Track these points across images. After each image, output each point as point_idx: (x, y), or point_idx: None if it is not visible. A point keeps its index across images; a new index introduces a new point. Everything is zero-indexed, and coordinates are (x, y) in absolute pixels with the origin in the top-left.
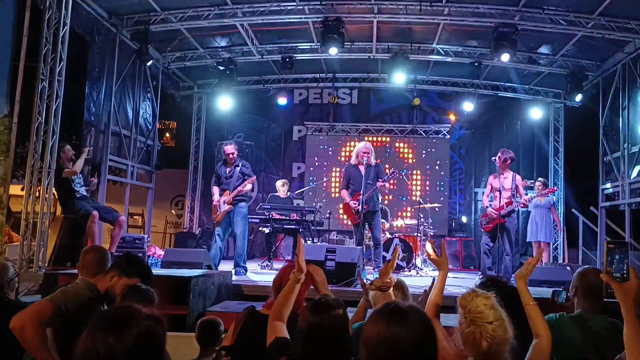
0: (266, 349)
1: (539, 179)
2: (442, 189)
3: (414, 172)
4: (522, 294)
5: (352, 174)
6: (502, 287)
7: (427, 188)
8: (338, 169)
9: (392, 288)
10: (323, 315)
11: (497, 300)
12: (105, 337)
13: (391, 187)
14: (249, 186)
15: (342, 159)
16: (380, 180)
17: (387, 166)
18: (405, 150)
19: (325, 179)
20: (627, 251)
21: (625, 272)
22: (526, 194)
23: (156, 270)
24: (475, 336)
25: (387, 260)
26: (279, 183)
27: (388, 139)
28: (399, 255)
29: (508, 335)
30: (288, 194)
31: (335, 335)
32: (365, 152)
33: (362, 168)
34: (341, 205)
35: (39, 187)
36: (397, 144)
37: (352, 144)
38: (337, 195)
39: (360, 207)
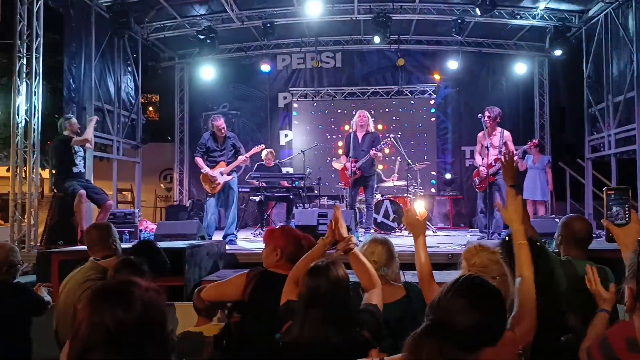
0: (278, 307)
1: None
2: (429, 148)
3: (401, 132)
4: (515, 232)
5: (350, 142)
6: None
7: (415, 149)
8: (326, 134)
9: (378, 245)
10: (321, 278)
11: (502, 257)
12: (113, 311)
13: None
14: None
15: (329, 123)
16: (373, 149)
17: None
18: (392, 111)
19: (314, 145)
20: (627, 196)
21: (626, 216)
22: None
23: None
24: None
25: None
26: (264, 153)
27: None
28: (390, 216)
29: (510, 291)
30: (275, 162)
31: (334, 297)
32: (360, 117)
33: (360, 135)
34: (331, 174)
35: (25, 167)
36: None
37: (339, 108)
38: (327, 159)
39: (353, 170)
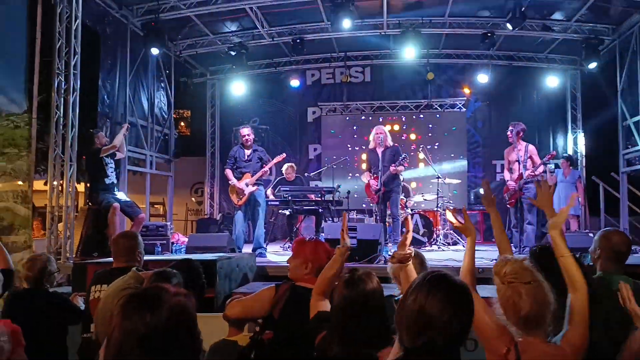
0: (309, 321)
1: (564, 154)
2: (459, 162)
3: (430, 146)
4: (556, 245)
5: (371, 158)
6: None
7: (445, 162)
8: (355, 148)
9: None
10: (355, 289)
11: (532, 264)
12: (143, 316)
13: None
14: (265, 168)
15: (357, 137)
16: (393, 165)
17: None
18: (421, 125)
19: (342, 159)
20: None
21: None
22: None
23: (181, 256)
24: (514, 299)
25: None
26: (284, 167)
27: (403, 117)
28: (420, 231)
29: (548, 297)
30: (296, 176)
31: (369, 308)
32: (378, 134)
33: (379, 151)
34: (356, 187)
35: (62, 181)
36: (412, 119)
37: (368, 122)
38: (356, 175)
39: (379, 187)
